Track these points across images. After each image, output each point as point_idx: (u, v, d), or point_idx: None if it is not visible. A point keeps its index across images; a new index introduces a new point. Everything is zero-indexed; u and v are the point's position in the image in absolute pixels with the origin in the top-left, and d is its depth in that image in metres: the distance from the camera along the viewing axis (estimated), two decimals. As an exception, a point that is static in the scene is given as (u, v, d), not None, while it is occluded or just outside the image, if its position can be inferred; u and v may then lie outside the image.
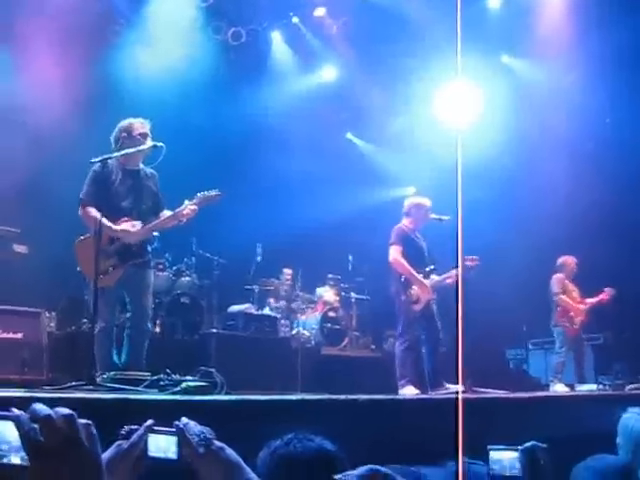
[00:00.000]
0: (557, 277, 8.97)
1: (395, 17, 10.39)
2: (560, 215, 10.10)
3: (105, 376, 4.65)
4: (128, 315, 5.43)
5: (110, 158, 5.20)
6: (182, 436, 1.68)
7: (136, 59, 10.40)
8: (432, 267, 7.06)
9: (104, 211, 5.04)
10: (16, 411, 1.10)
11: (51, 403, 1.15)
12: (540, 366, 10.39)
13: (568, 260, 9.02)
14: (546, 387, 8.85)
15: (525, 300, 9.91)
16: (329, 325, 9.90)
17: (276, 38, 11.97)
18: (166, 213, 5.50)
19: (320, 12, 11.39)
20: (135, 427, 1.73)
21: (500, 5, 10.96)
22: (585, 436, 3.85)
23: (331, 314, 10.05)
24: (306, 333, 9.73)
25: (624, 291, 9.08)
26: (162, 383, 4.29)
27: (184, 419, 1.74)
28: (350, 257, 10.92)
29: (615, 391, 7.77)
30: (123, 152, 5.28)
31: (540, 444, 2.46)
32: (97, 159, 5.09)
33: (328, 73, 12.52)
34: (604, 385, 8.27)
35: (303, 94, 11.99)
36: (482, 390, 6.69)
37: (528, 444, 2.45)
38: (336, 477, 1.76)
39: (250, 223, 10.20)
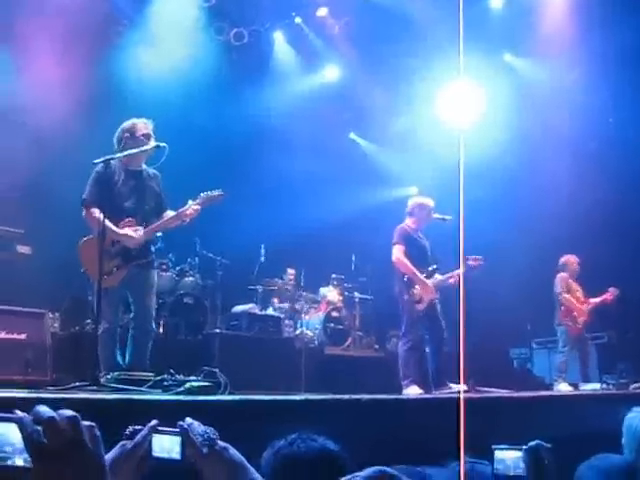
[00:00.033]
0: (561, 276, 8.97)
1: (397, 17, 10.39)
2: (563, 214, 10.08)
3: (109, 376, 4.66)
4: (131, 316, 5.44)
5: (113, 159, 5.18)
6: (186, 436, 1.69)
7: (139, 59, 10.40)
8: (435, 266, 7.06)
9: (107, 212, 5.04)
10: (19, 413, 1.10)
11: (55, 404, 1.15)
12: (544, 365, 10.37)
13: (570, 259, 9.02)
14: (550, 386, 8.84)
15: (528, 299, 9.91)
16: (332, 325, 9.90)
17: (278, 38, 11.98)
18: (169, 213, 5.50)
19: (322, 12, 11.40)
20: (139, 427, 1.73)
21: (502, 4, 10.96)
22: (589, 435, 3.84)
23: (334, 314, 10.04)
24: (309, 333, 9.73)
25: (627, 290, 9.06)
26: (166, 383, 4.30)
27: (188, 419, 1.74)
28: (353, 257, 10.92)
29: (619, 390, 7.76)
30: (126, 153, 5.28)
31: (544, 443, 2.45)
32: (100, 160, 5.08)
33: (330, 73, 12.53)
34: (608, 384, 8.26)
35: (306, 94, 11.99)
36: (486, 389, 6.69)
37: (532, 443, 2.44)
38: (343, 479, 1.76)
39: (253, 223, 10.21)
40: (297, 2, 11.40)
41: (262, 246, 10.11)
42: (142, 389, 4.21)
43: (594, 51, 10.00)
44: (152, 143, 5.36)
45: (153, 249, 5.63)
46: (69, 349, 6.77)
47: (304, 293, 10.21)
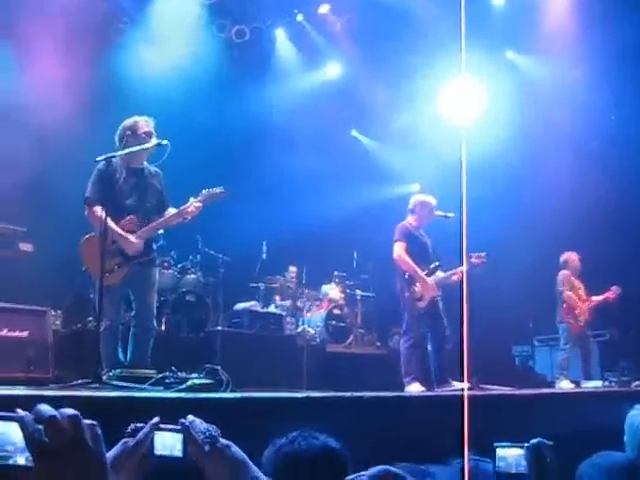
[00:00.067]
0: (563, 274, 8.96)
1: (399, 14, 10.38)
2: (565, 212, 10.07)
3: (111, 374, 4.66)
4: (133, 313, 5.44)
5: (114, 157, 5.18)
6: (188, 434, 1.68)
7: (140, 57, 10.41)
8: (437, 264, 7.05)
9: (109, 209, 5.04)
10: (21, 412, 1.10)
11: (56, 401, 1.16)
12: (546, 363, 10.37)
13: (571, 256, 9.01)
14: (552, 384, 8.84)
15: (530, 296, 9.91)
16: (334, 322, 9.90)
17: (280, 36, 11.97)
18: (171, 211, 5.50)
19: (324, 9, 11.39)
20: (141, 425, 1.73)
21: (504, 1, 10.94)
22: (591, 433, 3.84)
23: (336, 311, 10.05)
24: (311, 330, 9.73)
25: (629, 288, 9.05)
26: (168, 381, 4.30)
27: (190, 417, 1.74)
28: (355, 254, 10.93)
29: (621, 388, 7.76)
30: (127, 150, 5.27)
31: (546, 441, 2.45)
32: (101, 157, 5.08)
33: (332, 70, 12.52)
34: (610, 382, 8.25)
35: (307, 91, 11.99)
36: (488, 387, 6.68)
37: (534, 441, 2.44)
38: (348, 478, 1.76)
39: (255, 220, 10.22)
40: (299, -1, 11.40)
41: (264, 243, 10.13)
42: (144, 386, 4.22)
43: (596, 48, 9.99)
44: (154, 141, 5.36)
45: (155, 247, 5.64)
46: (71, 347, 6.77)
47: (306, 290, 10.21)
